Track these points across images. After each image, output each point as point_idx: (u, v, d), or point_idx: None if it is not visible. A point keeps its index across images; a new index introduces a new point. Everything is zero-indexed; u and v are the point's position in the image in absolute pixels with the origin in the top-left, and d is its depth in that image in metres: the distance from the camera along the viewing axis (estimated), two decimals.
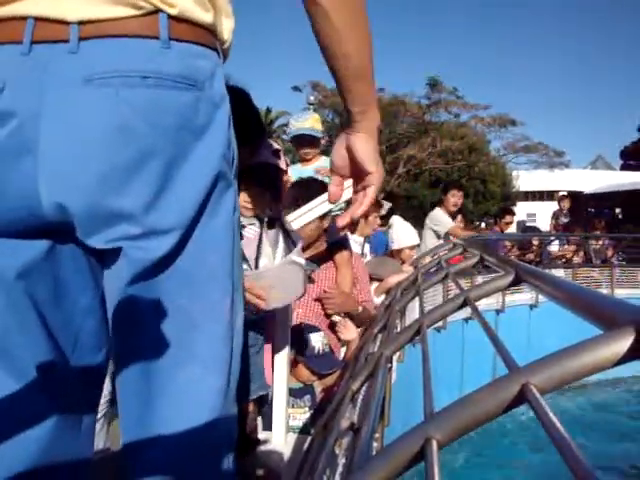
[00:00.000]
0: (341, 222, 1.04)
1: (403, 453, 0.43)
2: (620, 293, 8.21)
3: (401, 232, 4.21)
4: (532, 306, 7.45)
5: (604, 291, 8.18)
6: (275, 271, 1.70)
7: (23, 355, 0.87)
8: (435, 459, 0.40)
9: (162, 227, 0.83)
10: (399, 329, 1.42)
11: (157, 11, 0.82)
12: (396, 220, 4.43)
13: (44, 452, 0.89)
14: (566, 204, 9.72)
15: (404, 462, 0.43)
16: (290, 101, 79.41)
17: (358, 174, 1.02)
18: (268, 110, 32.95)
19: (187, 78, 0.84)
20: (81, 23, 0.79)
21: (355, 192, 1.03)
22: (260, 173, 1.83)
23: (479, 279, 5.92)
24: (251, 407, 2.00)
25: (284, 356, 2.00)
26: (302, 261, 1.72)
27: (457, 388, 5.69)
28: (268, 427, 2.03)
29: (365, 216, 3.95)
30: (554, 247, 9.04)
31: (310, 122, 3.50)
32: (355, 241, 3.95)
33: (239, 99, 0.97)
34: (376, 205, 4.04)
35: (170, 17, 0.83)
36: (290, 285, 1.72)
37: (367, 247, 4.11)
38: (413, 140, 29.51)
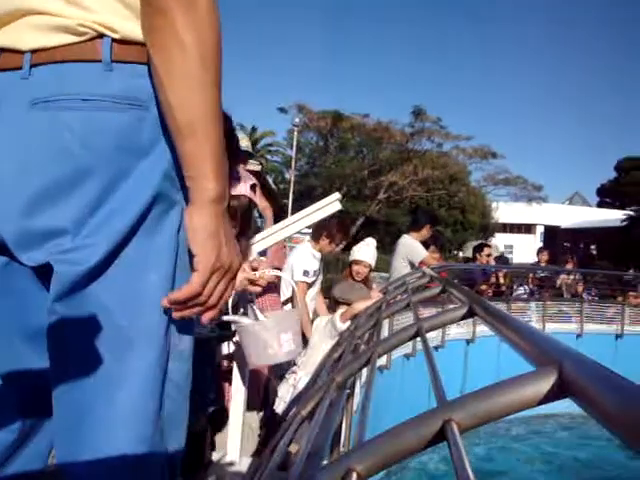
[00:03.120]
0: (162, 304, 0.88)
1: None
2: (591, 329, 8.30)
3: (363, 249, 4.25)
4: None
5: (573, 326, 8.26)
6: (285, 320, 1.71)
7: None
8: None
9: (92, 242, 0.82)
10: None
11: (101, 36, 0.84)
12: (369, 241, 4.45)
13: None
14: (544, 257, 9.75)
15: None
16: (276, 122, 79.81)
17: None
18: (253, 129, 33.11)
19: (129, 98, 0.84)
20: (33, 52, 0.83)
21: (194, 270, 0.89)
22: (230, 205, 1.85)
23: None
24: (202, 422, 1.97)
25: (242, 380, 1.99)
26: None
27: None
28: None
29: (331, 239, 3.98)
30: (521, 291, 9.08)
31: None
32: (314, 256, 3.96)
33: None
34: (343, 233, 4.07)
35: (114, 40, 0.85)
36: (297, 340, 1.75)
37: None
38: (395, 167, 29.79)
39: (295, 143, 28.47)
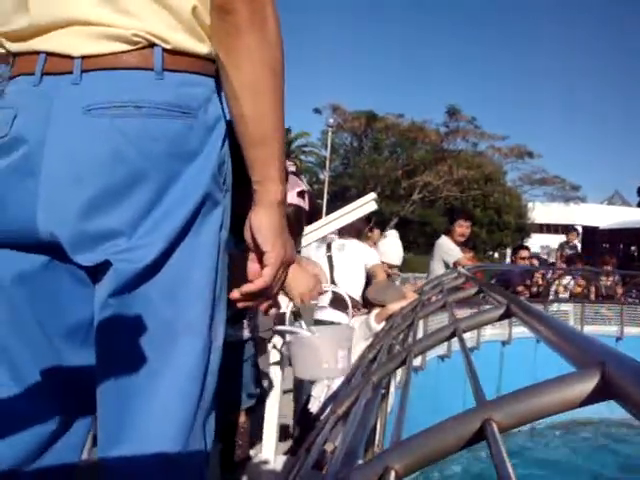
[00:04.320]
0: (231, 296, 1.00)
1: None
2: (631, 332, 8.11)
3: (392, 248, 4.24)
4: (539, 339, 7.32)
5: (613, 329, 8.08)
6: (349, 334, 1.67)
7: (20, 357, 0.92)
8: None
9: (147, 241, 0.86)
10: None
11: (152, 45, 0.88)
12: (392, 234, 4.45)
13: (35, 453, 0.93)
14: (573, 237, 9.77)
15: None
16: (310, 122, 79.82)
17: (260, 250, 0.98)
18: (288, 130, 33.22)
19: (180, 106, 0.88)
20: (84, 57, 0.86)
21: (261, 266, 0.99)
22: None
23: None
24: (242, 419, 1.99)
25: (278, 381, 2.00)
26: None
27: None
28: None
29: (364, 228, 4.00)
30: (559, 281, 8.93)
31: None
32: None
33: None
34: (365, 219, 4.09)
35: (165, 50, 0.89)
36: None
37: None
38: (430, 167, 29.59)
39: (329, 144, 28.47)
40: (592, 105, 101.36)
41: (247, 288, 0.98)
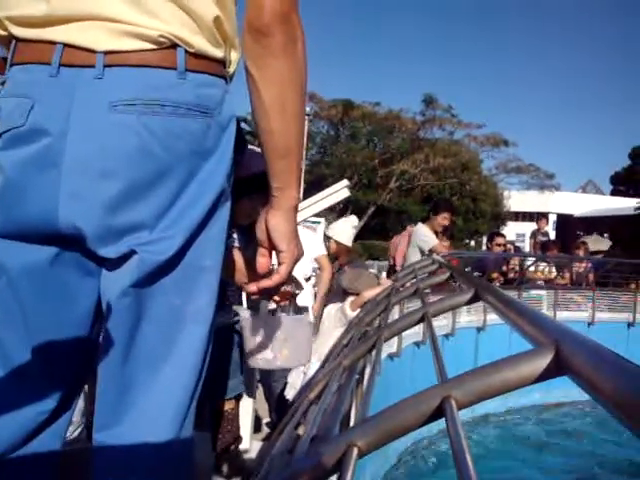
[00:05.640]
0: (250, 289, 1.11)
1: (325, 459, 0.44)
2: (603, 317, 8.25)
3: (344, 228, 4.32)
4: None
5: (585, 314, 8.21)
6: (290, 325, 1.59)
7: (12, 346, 0.95)
8: (352, 466, 0.41)
9: (169, 234, 0.91)
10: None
11: (175, 46, 0.91)
12: (349, 220, 4.52)
13: (22, 440, 0.96)
14: (543, 224, 10.08)
15: (325, 469, 0.43)
16: None
17: (275, 249, 1.05)
18: None
19: (200, 106, 0.93)
20: (107, 53, 0.88)
21: (278, 263, 1.07)
22: (257, 183, 1.79)
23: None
24: (232, 405, 1.99)
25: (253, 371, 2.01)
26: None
27: None
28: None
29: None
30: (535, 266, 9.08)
31: None
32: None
33: None
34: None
35: (186, 52, 0.92)
36: (301, 349, 1.61)
37: None
38: (406, 155, 29.67)
39: (305, 132, 28.38)
40: (567, 94, 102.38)
41: (264, 283, 1.06)
